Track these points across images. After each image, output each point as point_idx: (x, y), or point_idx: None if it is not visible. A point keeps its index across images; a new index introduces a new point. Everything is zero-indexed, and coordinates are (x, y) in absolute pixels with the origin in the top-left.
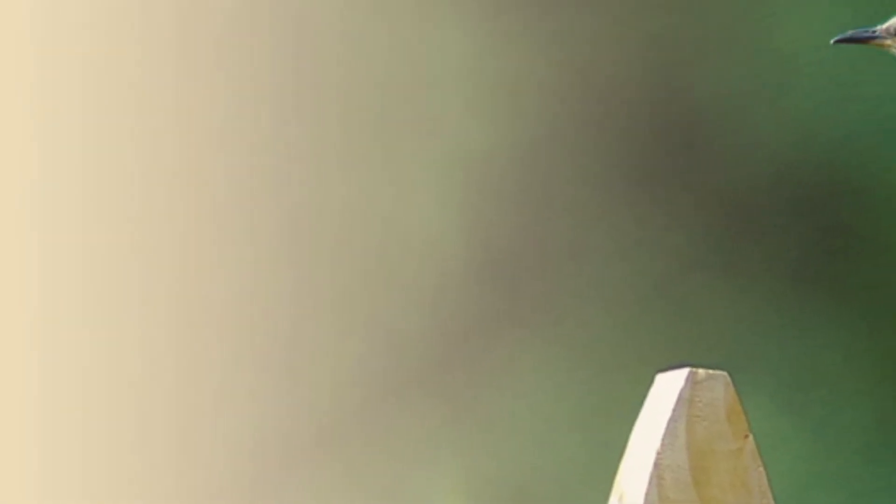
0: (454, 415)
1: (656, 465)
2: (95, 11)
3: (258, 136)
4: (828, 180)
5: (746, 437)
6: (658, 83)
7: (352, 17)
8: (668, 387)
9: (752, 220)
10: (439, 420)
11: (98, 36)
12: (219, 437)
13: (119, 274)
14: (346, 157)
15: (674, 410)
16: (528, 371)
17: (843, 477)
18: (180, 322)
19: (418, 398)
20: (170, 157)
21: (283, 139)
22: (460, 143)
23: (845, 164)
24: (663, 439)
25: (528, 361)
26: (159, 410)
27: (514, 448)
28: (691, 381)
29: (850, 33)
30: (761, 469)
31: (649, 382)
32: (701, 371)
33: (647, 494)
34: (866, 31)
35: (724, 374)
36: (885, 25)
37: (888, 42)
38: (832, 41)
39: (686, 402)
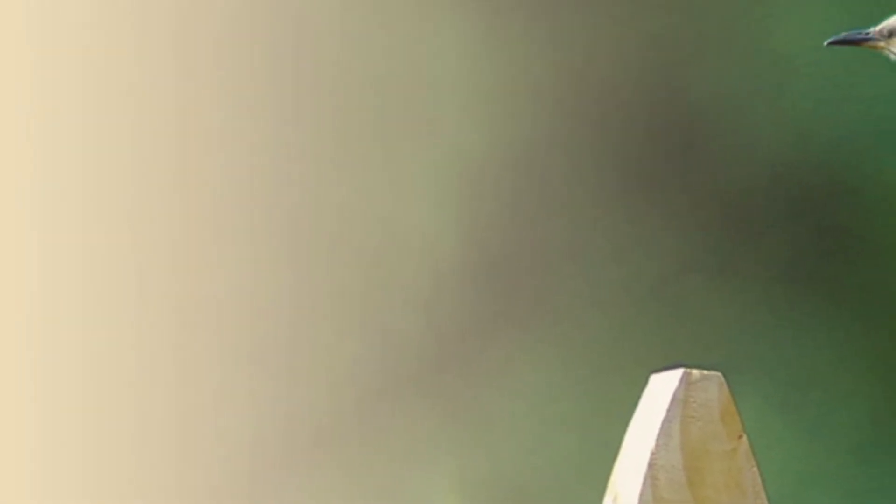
0: (451, 415)
1: (651, 465)
2: (93, 12)
3: (256, 138)
4: (823, 181)
5: (740, 437)
6: (655, 84)
7: (350, 20)
8: (662, 387)
9: (748, 221)
10: (436, 420)
11: (96, 37)
12: (217, 438)
13: (117, 274)
14: (343, 159)
15: (668, 411)
16: (524, 371)
17: (836, 477)
18: (178, 322)
19: (415, 398)
20: (168, 158)
21: (280, 140)
22: (457, 144)
23: (841, 165)
24: (658, 439)
25: (524, 362)
26: (158, 410)
27: (510, 448)
28: (686, 382)
29: (843, 35)
30: (755, 469)
31: (644, 383)
32: (695, 372)
33: (641, 495)
34: (860, 33)
35: (719, 374)
36: (878, 27)
37: (881, 44)
38: (826, 43)
39: (680, 402)
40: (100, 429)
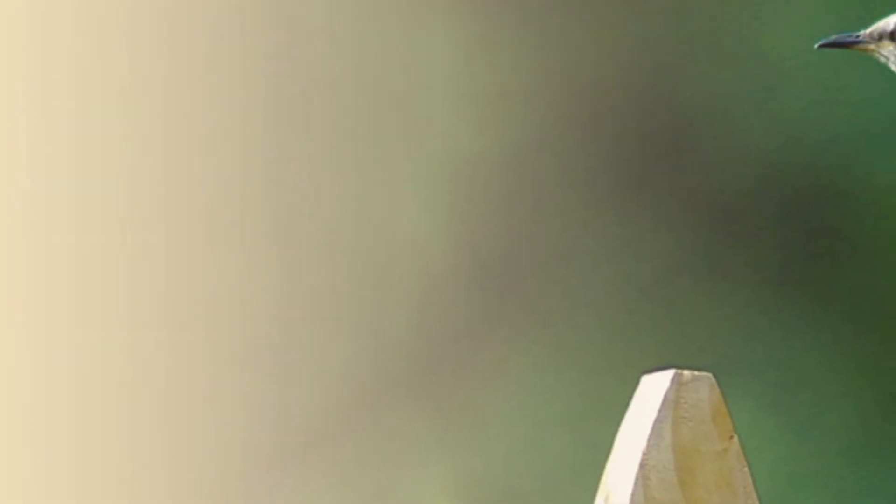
0: (443, 416)
1: (642, 465)
2: (85, 14)
3: (248, 139)
4: (813, 184)
5: (731, 438)
6: (645, 87)
7: (341, 22)
8: (653, 388)
9: (738, 223)
10: (428, 421)
11: (88, 39)
12: (209, 439)
13: (109, 275)
14: (335, 161)
15: (659, 411)
16: (516, 372)
17: (827, 478)
18: (170, 324)
19: (407, 400)
20: (160, 160)
21: (272, 142)
22: (449, 146)
23: (830, 167)
24: (649, 440)
25: (516, 363)
26: (150, 411)
27: (502, 449)
28: (677, 383)
29: (833, 38)
30: (746, 470)
31: (635, 384)
32: (686, 372)
33: (632, 495)
34: (850, 36)
35: (710, 375)
36: (868, 30)
37: (871, 46)
38: (816, 45)
39: (671, 403)
40: (92, 429)
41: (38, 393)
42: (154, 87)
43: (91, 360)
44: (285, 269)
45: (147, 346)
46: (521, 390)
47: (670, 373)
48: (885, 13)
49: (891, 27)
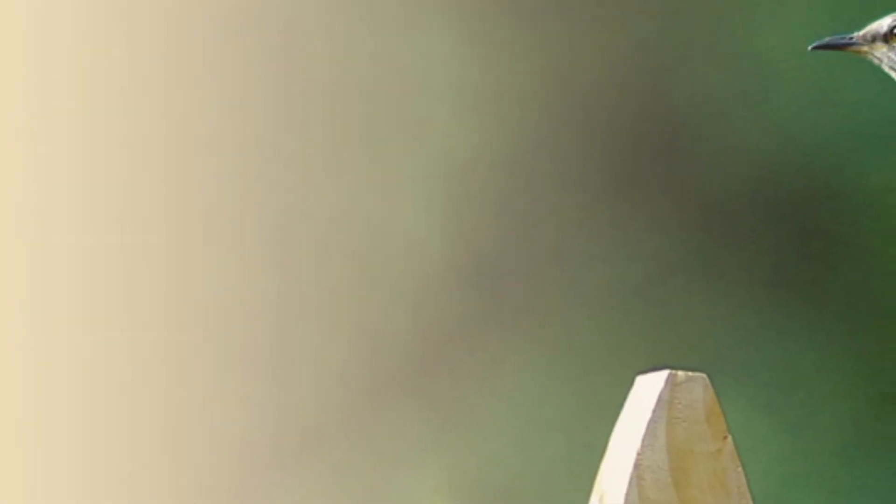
0: (438, 416)
1: (636, 465)
2: (84, 17)
3: (245, 141)
4: (806, 185)
5: (725, 438)
6: (640, 89)
7: (337, 24)
8: (648, 388)
9: (732, 224)
10: (424, 421)
11: (86, 41)
12: (206, 439)
13: (107, 276)
14: (331, 162)
15: (654, 412)
16: (510, 373)
17: (820, 477)
18: (168, 324)
19: (403, 400)
20: (157, 162)
21: (269, 144)
22: (444, 148)
23: (824, 168)
24: (643, 440)
25: (511, 363)
26: (147, 412)
27: (497, 449)
28: (671, 383)
29: (827, 40)
30: (740, 470)
31: (630, 384)
32: (680, 373)
33: (627, 495)
34: (843, 38)
35: (704, 375)
36: (862, 32)
37: (865, 48)
38: (810, 47)
39: (666, 403)
40: (90, 430)
41: (37, 393)
42: (152, 89)
43: (89, 360)
44: (282, 269)
45: (145, 346)
46: (516, 390)
47: (664, 373)
48: (878, 15)
49: (884, 29)
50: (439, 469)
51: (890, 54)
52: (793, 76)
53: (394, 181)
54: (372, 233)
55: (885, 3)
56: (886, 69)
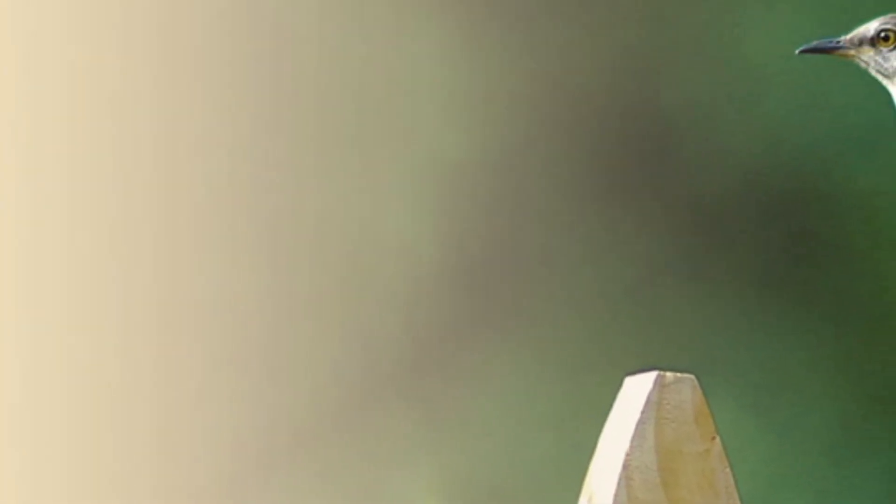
0: (429, 416)
1: (625, 466)
2: (76, 20)
3: (236, 144)
4: (794, 187)
5: (714, 438)
6: (628, 92)
7: (329, 28)
8: (636, 389)
9: (720, 226)
10: (415, 422)
11: (79, 44)
12: (198, 439)
13: (100, 278)
14: (322, 165)
15: (642, 413)
16: (500, 374)
17: (808, 478)
18: (160, 325)
19: (394, 400)
20: (149, 164)
21: (260, 146)
22: (435, 150)
23: (812, 171)
24: (632, 441)
25: (501, 364)
26: (140, 412)
27: (487, 449)
28: (659, 384)
29: (815, 43)
30: (728, 470)
31: (619, 385)
32: (669, 374)
33: (615, 495)
34: (831, 42)
35: (692, 377)
36: (849, 36)
37: (852, 52)
38: (797, 51)
39: (654, 404)
40: (82, 430)
41: (28, 393)
42: (143, 91)
43: (81, 360)
44: (273, 271)
45: (137, 347)
46: (506, 391)
47: (653, 374)
48: (865, 19)
49: (871, 33)
50: (430, 469)
51: (877, 58)
52: (780, 80)
53: (384, 183)
54: (363, 235)
55: (871, 7)
56: (873, 73)
